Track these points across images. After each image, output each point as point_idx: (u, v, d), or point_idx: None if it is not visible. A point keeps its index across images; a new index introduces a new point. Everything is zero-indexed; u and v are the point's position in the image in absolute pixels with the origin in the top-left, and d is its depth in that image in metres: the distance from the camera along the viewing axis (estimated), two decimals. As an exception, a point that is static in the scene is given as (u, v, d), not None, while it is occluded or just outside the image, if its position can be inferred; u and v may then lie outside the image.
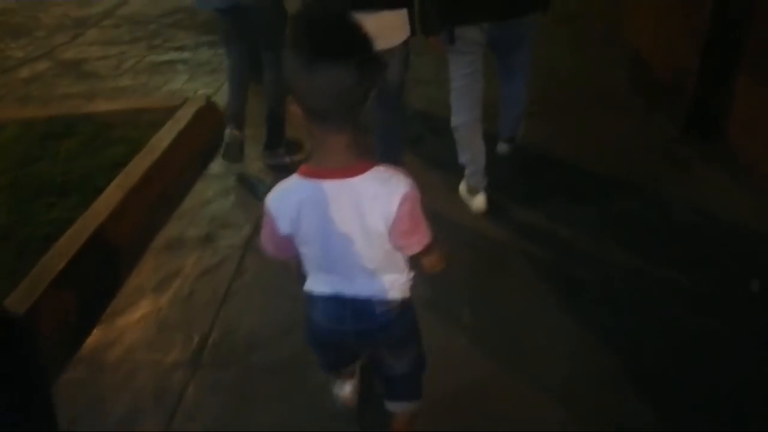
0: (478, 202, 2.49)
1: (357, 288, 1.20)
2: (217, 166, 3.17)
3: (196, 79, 4.44)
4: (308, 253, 1.19)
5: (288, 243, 1.17)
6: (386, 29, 1.98)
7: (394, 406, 1.46)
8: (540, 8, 2.27)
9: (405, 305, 1.26)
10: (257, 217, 2.67)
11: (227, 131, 2.95)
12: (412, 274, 1.26)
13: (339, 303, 1.22)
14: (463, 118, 2.41)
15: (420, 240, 1.16)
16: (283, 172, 3.01)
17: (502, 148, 2.80)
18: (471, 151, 2.45)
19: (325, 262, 1.19)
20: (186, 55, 4.96)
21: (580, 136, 3.14)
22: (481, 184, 2.50)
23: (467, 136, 2.43)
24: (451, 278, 2.02)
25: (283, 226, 1.13)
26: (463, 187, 2.58)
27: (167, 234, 2.65)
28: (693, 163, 2.83)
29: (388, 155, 2.19)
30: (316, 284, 1.24)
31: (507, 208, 2.60)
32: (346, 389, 1.63)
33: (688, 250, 2.28)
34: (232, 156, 2.94)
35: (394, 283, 1.22)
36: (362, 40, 0.99)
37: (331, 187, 1.07)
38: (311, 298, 1.26)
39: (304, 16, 1.02)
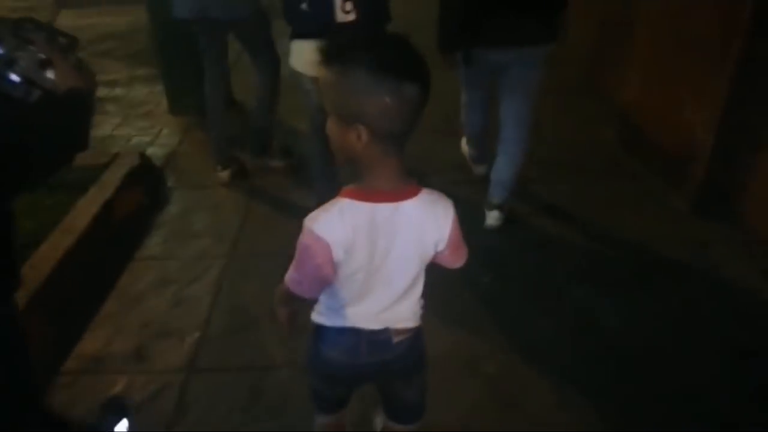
0: (493, 218, 2.59)
1: (373, 320, 1.17)
2: (154, 245, 2.59)
3: (129, 123, 3.84)
4: (348, 283, 1.12)
5: (330, 276, 1.09)
6: None
7: (400, 428, 1.42)
8: (554, 41, 2.32)
9: (418, 331, 1.25)
10: (204, 320, 2.11)
11: (218, 174, 2.98)
12: (422, 302, 1.23)
13: (354, 335, 1.18)
14: (476, 128, 2.78)
15: (464, 253, 1.21)
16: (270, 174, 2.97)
17: (492, 218, 2.59)
18: (483, 152, 2.84)
19: (363, 290, 1.13)
20: (118, 92, 4.33)
21: (584, 207, 2.80)
22: (497, 200, 2.60)
23: (482, 140, 2.83)
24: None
25: (337, 254, 1.05)
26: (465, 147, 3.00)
27: (83, 350, 2.03)
28: (711, 244, 2.52)
29: None
30: (331, 317, 1.19)
31: (522, 303, 2.20)
32: (331, 419, 1.45)
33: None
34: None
35: (413, 311, 1.21)
36: (423, 59, 1.00)
37: (386, 210, 1.05)
38: (322, 331, 1.21)
39: (388, 40, 1.03)
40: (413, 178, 1.08)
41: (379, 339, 1.19)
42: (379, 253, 1.08)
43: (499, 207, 2.57)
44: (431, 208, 1.09)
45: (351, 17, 2.03)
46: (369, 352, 1.20)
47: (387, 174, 1.04)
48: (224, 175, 3.00)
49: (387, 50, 0.99)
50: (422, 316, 1.24)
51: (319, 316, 1.21)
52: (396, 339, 1.20)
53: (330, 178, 2.35)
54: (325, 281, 1.10)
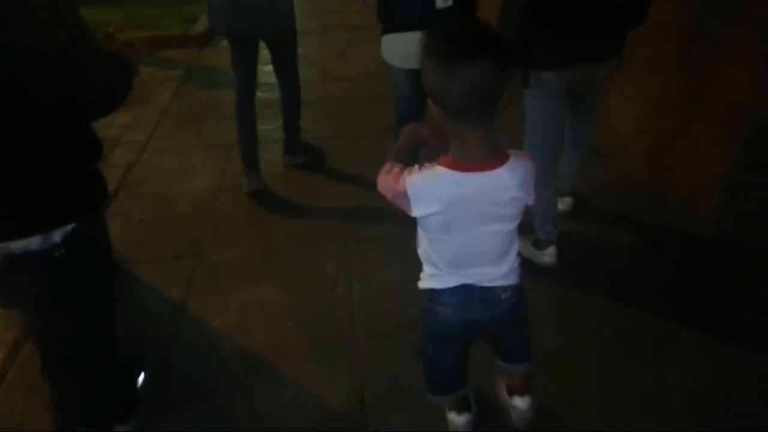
0: (549, 255, 2.35)
1: (483, 277, 1.28)
2: None
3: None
4: (445, 244, 1.24)
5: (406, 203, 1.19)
6: None
7: (515, 368, 1.55)
8: (618, 54, 2.14)
9: (520, 287, 1.35)
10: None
11: (246, 180, 2.96)
12: (519, 259, 1.33)
13: (467, 293, 1.29)
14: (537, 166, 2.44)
15: (531, 194, 1.23)
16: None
17: (567, 202, 2.66)
18: (541, 202, 2.27)
19: (464, 255, 1.25)
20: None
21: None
22: (552, 235, 2.34)
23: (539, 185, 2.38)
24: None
25: (425, 208, 1.17)
26: (527, 244, 2.36)
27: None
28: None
29: None
30: (440, 280, 1.30)
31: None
32: (461, 421, 1.64)
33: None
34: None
35: (512, 268, 1.30)
36: (495, 41, 1.06)
37: (478, 179, 1.14)
38: (434, 294, 1.32)
39: (442, 26, 1.10)
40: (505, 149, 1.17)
41: (489, 296, 1.30)
42: (474, 220, 1.18)
43: (570, 194, 2.64)
44: (520, 170, 1.18)
45: (449, 3, 2.13)
46: (483, 308, 1.31)
47: (472, 146, 1.13)
48: (253, 182, 3.00)
49: (443, 31, 1.08)
50: (520, 273, 1.33)
51: (428, 281, 1.32)
52: (504, 295, 1.31)
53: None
54: (400, 202, 1.20)
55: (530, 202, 1.23)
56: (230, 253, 2.61)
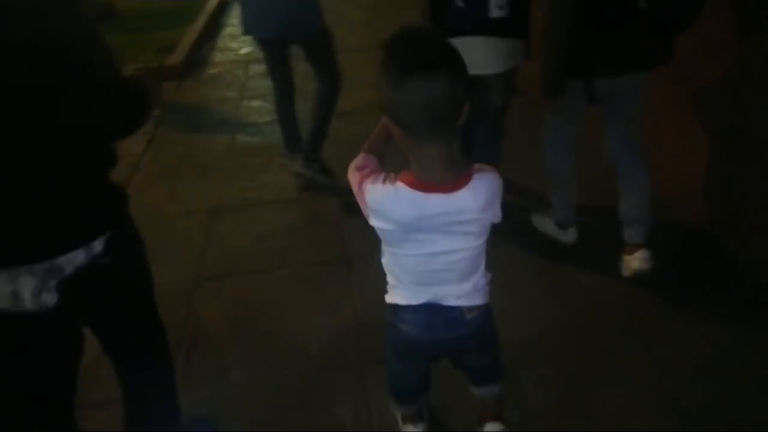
0: (571, 234, 2.46)
1: (447, 297, 1.23)
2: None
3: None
4: (404, 258, 1.20)
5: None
6: (497, 54, 2.18)
7: (484, 391, 1.49)
8: (659, 64, 1.98)
9: (487, 306, 1.30)
10: None
11: (297, 161, 3.10)
12: (490, 277, 1.28)
13: (430, 312, 1.25)
14: (566, 173, 2.35)
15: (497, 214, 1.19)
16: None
17: (638, 260, 2.23)
18: (566, 191, 2.38)
19: (424, 272, 1.20)
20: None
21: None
22: (572, 220, 2.44)
23: (567, 181, 2.36)
24: None
25: (380, 223, 1.14)
26: (544, 221, 2.53)
27: None
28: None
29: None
30: (403, 295, 1.26)
31: None
32: (410, 409, 1.61)
33: None
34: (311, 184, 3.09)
35: (478, 288, 1.25)
36: (449, 55, 1.01)
37: (438, 200, 1.09)
38: (399, 310, 1.28)
39: (395, 37, 1.04)
40: (467, 166, 1.11)
41: (453, 316, 1.24)
42: (434, 241, 1.13)
43: (644, 245, 2.25)
44: (485, 191, 1.11)
45: (503, 13, 2.09)
46: (445, 328, 1.26)
47: (431, 166, 1.07)
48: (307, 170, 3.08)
49: (397, 45, 1.02)
50: (488, 293, 1.28)
51: (393, 296, 1.28)
52: (468, 315, 1.25)
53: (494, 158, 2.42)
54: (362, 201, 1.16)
55: (497, 220, 1.18)
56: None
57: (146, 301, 1.36)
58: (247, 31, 2.82)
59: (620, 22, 1.81)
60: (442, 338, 1.28)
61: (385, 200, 1.10)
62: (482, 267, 1.24)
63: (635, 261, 2.22)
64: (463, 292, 1.22)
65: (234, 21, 6.39)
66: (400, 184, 1.09)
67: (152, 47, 5.35)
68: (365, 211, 1.14)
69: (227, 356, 2.07)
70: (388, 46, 1.02)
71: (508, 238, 2.45)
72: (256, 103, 4.29)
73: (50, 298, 1.08)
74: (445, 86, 0.97)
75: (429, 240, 1.13)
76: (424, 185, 1.08)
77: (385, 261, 1.26)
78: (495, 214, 1.16)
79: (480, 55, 2.11)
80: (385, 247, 1.23)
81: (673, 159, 2.58)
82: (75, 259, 1.09)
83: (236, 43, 5.81)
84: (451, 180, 1.08)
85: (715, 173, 2.39)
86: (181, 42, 5.40)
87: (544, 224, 2.53)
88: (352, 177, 1.17)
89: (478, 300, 1.25)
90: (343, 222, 2.78)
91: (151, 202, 3.04)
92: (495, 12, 2.07)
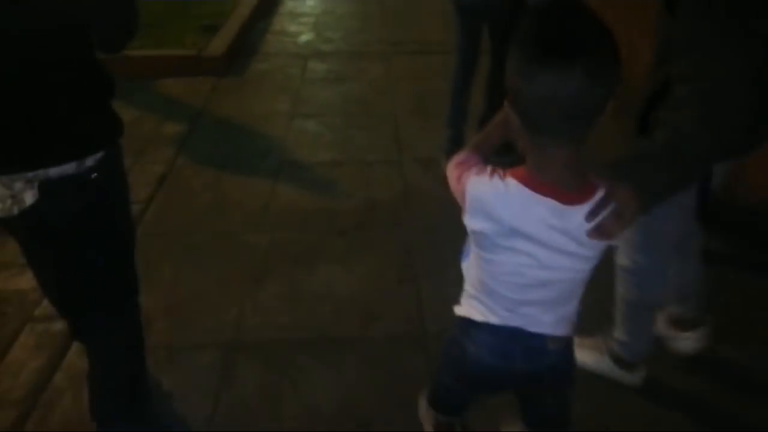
0: (639, 375, 1.77)
1: (533, 322, 1.07)
2: None
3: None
4: (497, 266, 1.03)
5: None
6: None
7: None
8: None
9: (570, 339, 1.14)
10: None
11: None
12: (579, 309, 1.11)
13: (509, 337, 1.08)
14: (652, 301, 1.66)
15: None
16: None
17: (691, 340, 1.82)
18: (641, 329, 1.71)
19: (516, 286, 1.03)
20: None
21: None
22: (645, 354, 1.76)
23: (647, 317, 1.70)
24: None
25: (478, 223, 0.99)
26: (604, 359, 1.78)
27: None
28: None
29: None
30: (484, 311, 1.09)
31: None
32: (447, 419, 1.39)
33: None
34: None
35: (568, 317, 1.10)
36: (598, 41, 0.83)
37: (552, 208, 0.94)
38: (471, 327, 1.12)
39: (540, 9, 0.87)
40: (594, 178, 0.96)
41: (534, 344, 1.09)
42: (531, 248, 0.98)
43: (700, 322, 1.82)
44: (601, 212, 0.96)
45: None
46: (523, 357, 1.10)
47: (549, 167, 0.92)
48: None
49: (538, 20, 0.86)
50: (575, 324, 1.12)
51: (468, 308, 1.13)
52: (552, 346, 1.10)
53: None
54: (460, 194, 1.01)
55: (615, 244, 1.02)
56: None
57: (121, 242, 1.33)
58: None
59: None
60: (517, 369, 1.11)
61: (491, 196, 0.96)
62: (580, 295, 1.08)
63: (689, 341, 1.82)
64: (552, 319, 1.07)
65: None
66: (511, 180, 0.95)
67: (196, 24, 4.38)
68: (462, 206, 1.00)
69: None
70: (529, 17, 0.86)
71: None
72: (311, 126, 3.28)
73: (29, 197, 1.12)
74: (583, 84, 0.81)
75: (531, 251, 0.98)
76: (538, 186, 0.93)
77: (467, 266, 1.12)
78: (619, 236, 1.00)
79: None
80: (475, 251, 1.06)
81: None
82: (65, 170, 1.14)
83: (295, 26, 4.78)
84: (572, 188, 0.93)
85: None
86: (230, 20, 4.40)
87: (597, 361, 1.80)
88: (451, 171, 1.03)
89: (563, 330, 1.10)
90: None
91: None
92: None
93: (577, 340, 1.82)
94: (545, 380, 1.15)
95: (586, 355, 1.75)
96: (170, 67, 3.77)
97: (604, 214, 0.94)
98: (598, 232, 0.95)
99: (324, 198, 2.65)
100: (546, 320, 1.06)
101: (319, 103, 3.56)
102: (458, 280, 1.16)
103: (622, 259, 1.59)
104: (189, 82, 3.70)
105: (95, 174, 1.18)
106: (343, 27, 4.78)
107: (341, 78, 3.89)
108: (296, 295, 2.12)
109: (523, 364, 1.10)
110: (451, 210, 1.12)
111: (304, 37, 4.55)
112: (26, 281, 2.06)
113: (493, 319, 1.07)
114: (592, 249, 0.99)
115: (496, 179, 0.95)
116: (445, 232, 1.90)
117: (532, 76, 0.83)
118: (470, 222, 1.00)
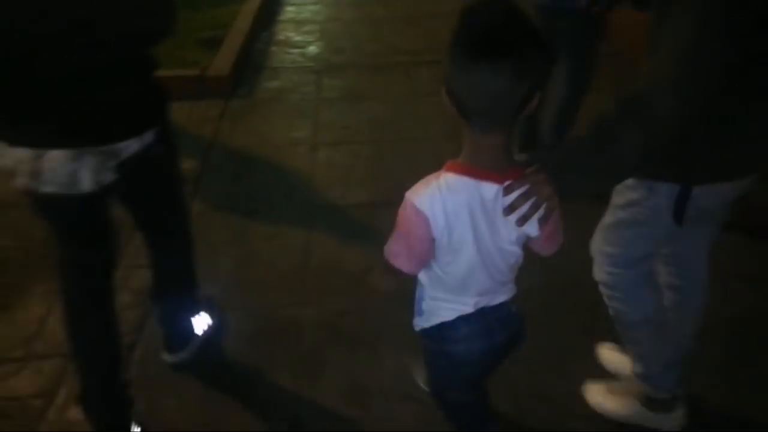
0: (677, 417, 1.60)
1: (496, 294, 1.17)
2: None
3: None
4: (452, 265, 1.10)
5: (429, 252, 1.09)
6: None
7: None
8: None
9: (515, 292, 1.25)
10: None
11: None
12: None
13: (481, 317, 1.17)
14: (642, 314, 1.52)
15: (559, 241, 1.14)
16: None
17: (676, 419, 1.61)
18: (651, 352, 1.56)
19: (471, 273, 1.10)
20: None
21: None
22: (674, 390, 1.60)
23: (648, 334, 1.53)
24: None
25: (436, 230, 1.04)
26: (635, 405, 1.61)
27: None
28: None
29: None
30: (454, 307, 1.16)
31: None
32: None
33: None
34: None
35: (512, 277, 1.20)
36: (528, 38, 0.91)
37: (491, 189, 1.01)
38: (447, 329, 1.18)
39: (473, 5, 0.94)
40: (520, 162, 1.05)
41: (503, 313, 1.19)
42: (482, 233, 1.05)
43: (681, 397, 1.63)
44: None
45: None
46: (501, 328, 1.19)
47: (484, 153, 1.00)
48: None
49: (471, 17, 0.93)
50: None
51: (434, 314, 1.18)
52: (513, 308, 1.21)
53: None
54: (424, 257, 1.10)
55: (533, 234, 1.08)
56: None
57: (178, 187, 1.67)
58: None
59: None
60: (500, 340, 1.19)
61: (433, 200, 1.01)
62: (516, 272, 1.17)
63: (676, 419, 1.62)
64: (505, 287, 1.17)
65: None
66: (447, 174, 1.02)
67: (193, 38, 3.96)
68: (423, 245, 1.07)
69: None
70: (463, 13, 0.93)
71: None
72: (339, 157, 2.92)
73: (107, 177, 1.33)
74: (513, 80, 0.89)
75: (487, 231, 1.04)
76: (475, 172, 1.00)
77: (426, 278, 1.17)
78: (550, 234, 1.09)
79: None
80: (433, 264, 1.12)
81: None
82: (130, 146, 1.34)
83: (300, 35, 4.39)
84: (506, 169, 1.01)
85: None
86: (230, 34, 4.00)
87: (628, 407, 1.63)
88: (387, 255, 1.14)
89: (512, 290, 1.20)
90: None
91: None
92: None
93: (605, 387, 1.69)
94: (519, 340, 1.24)
95: (615, 403, 1.64)
96: (172, 90, 3.36)
97: (517, 194, 1.00)
98: (510, 210, 1.00)
99: (368, 250, 2.30)
100: (502, 289, 1.17)
101: (341, 127, 3.20)
102: None
103: (598, 274, 1.49)
104: (194, 108, 3.31)
105: (156, 148, 1.40)
106: (351, 35, 4.40)
107: (360, 96, 3.52)
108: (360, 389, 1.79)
109: (503, 333, 1.19)
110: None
111: (313, 48, 4.18)
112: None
113: (466, 309, 1.15)
114: (533, 231, 1.05)
115: (432, 184, 1.02)
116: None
117: (467, 70, 0.91)
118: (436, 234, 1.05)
